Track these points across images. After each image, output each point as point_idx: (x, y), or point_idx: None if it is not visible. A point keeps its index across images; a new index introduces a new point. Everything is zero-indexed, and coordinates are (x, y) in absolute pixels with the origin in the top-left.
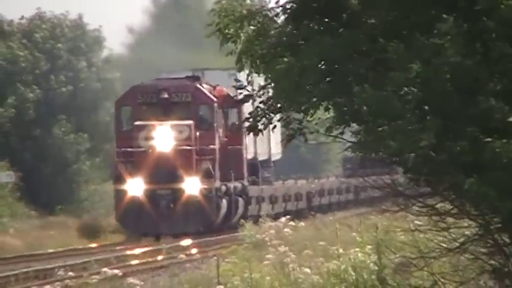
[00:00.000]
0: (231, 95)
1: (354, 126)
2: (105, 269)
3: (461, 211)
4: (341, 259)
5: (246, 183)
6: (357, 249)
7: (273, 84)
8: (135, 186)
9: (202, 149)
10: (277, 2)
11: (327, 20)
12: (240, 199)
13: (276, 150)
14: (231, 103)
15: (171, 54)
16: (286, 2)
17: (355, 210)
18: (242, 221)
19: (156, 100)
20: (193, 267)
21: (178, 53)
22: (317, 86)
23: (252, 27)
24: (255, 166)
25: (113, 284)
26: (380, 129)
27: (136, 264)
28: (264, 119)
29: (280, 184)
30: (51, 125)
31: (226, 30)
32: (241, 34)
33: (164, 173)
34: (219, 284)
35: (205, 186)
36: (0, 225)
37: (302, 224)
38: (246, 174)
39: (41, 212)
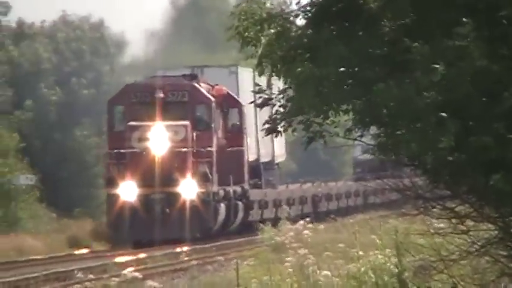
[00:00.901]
0: (231, 93)
1: (374, 128)
2: (125, 271)
3: (481, 214)
4: (361, 261)
5: (246, 186)
6: (377, 251)
7: (292, 88)
8: (128, 190)
9: (199, 151)
10: (297, 3)
11: (346, 23)
12: (240, 203)
13: (280, 152)
14: (231, 102)
15: (189, 57)
16: (307, 4)
17: (375, 213)
18: (261, 224)
19: (151, 99)
20: (213, 270)
21: (196, 55)
22: (337, 90)
23: (272, 30)
24: (257, 168)
25: (133, 286)
26: (399, 132)
27: (156, 267)
28: (283, 122)
29: (284, 188)
30: (72, 127)
31: (246, 34)
32: (262, 37)
33: (159, 176)
34: (238, 286)
35: (202, 190)
36: (21, 227)
37: (322, 226)
38: (247, 177)
39: (61, 214)
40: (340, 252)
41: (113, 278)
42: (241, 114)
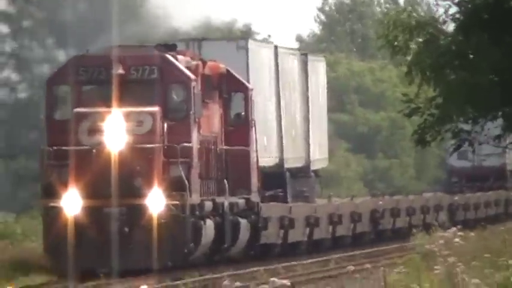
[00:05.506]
0: (234, 73)
1: None
2: (273, 279)
3: None
4: (510, 270)
5: (255, 198)
6: None
7: (441, 96)
8: (73, 202)
9: (172, 147)
10: (446, 12)
11: (496, 29)
12: (243, 221)
13: (320, 155)
14: (233, 85)
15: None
16: (456, 12)
17: None
18: (414, 230)
19: (106, 77)
20: (362, 278)
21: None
22: (487, 97)
23: (421, 39)
24: (279, 176)
25: None
26: None
27: (305, 274)
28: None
29: (325, 202)
30: None
31: (396, 42)
32: (411, 45)
33: (116, 183)
34: None
35: (175, 202)
36: None
37: (472, 234)
38: (255, 187)
39: None
40: (489, 261)
41: (262, 285)
42: (247, 101)
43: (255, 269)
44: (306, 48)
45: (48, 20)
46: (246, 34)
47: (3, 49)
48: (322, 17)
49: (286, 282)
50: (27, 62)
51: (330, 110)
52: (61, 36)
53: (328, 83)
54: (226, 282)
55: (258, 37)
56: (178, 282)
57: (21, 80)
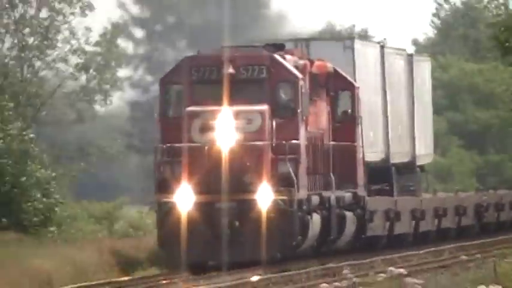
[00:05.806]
0: (340, 72)
1: None
2: (391, 268)
3: None
4: None
5: (361, 192)
6: None
7: None
8: (185, 197)
9: (281, 144)
10: None
11: None
12: (349, 214)
13: (425, 151)
14: (340, 84)
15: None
16: None
17: None
18: None
19: (217, 76)
20: (475, 267)
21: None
22: None
23: None
24: (385, 171)
25: (394, 282)
26: None
27: (420, 264)
28: None
29: (430, 196)
30: None
31: (507, 44)
32: None
33: (226, 179)
34: (497, 283)
35: (283, 197)
36: None
37: None
38: (362, 181)
39: None
40: None
41: (380, 274)
42: (353, 99)
43: (373, 259)
44: (423, 52)
45: (179, 23)
46: (363, 38)
47: (137, 52)
48: (437, 22)
49: (403, 271)
50: (159, 64)
51: (444, 109)
52: (192, 39)
53: (441, 83)
54: (346, 271)
55: (374, 40)
56: (301, 271)
57: (154, 81)
